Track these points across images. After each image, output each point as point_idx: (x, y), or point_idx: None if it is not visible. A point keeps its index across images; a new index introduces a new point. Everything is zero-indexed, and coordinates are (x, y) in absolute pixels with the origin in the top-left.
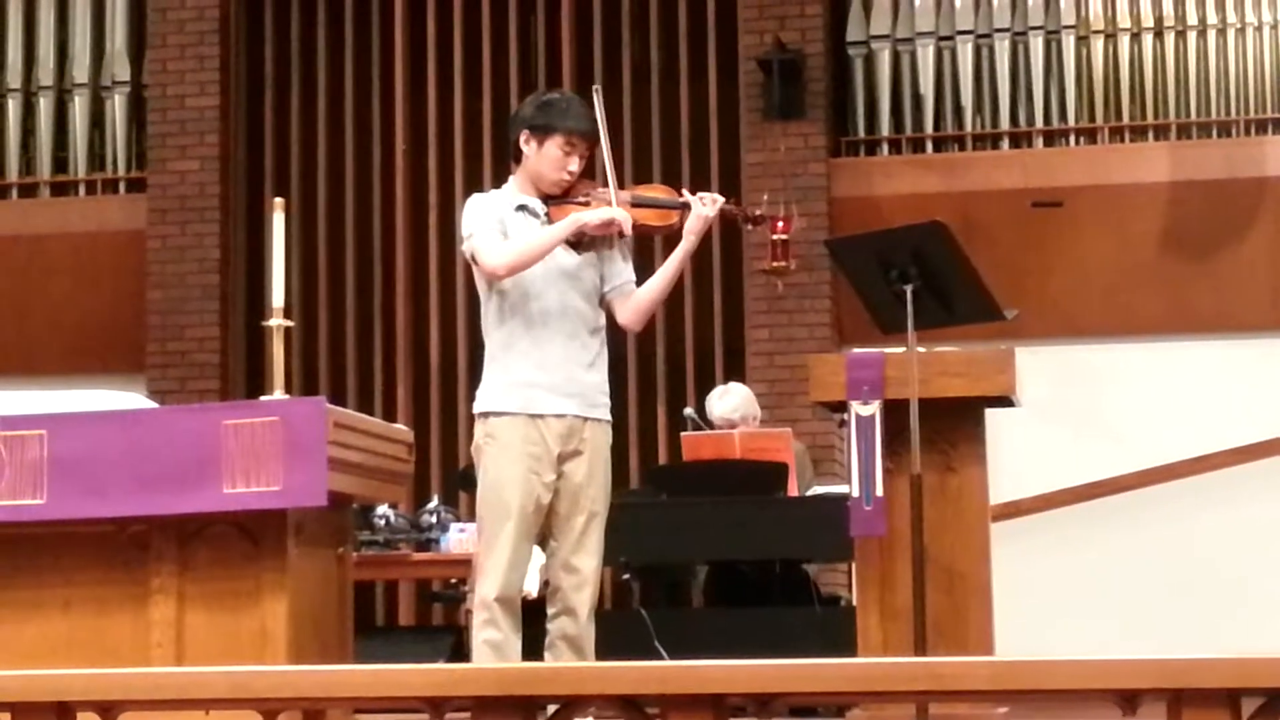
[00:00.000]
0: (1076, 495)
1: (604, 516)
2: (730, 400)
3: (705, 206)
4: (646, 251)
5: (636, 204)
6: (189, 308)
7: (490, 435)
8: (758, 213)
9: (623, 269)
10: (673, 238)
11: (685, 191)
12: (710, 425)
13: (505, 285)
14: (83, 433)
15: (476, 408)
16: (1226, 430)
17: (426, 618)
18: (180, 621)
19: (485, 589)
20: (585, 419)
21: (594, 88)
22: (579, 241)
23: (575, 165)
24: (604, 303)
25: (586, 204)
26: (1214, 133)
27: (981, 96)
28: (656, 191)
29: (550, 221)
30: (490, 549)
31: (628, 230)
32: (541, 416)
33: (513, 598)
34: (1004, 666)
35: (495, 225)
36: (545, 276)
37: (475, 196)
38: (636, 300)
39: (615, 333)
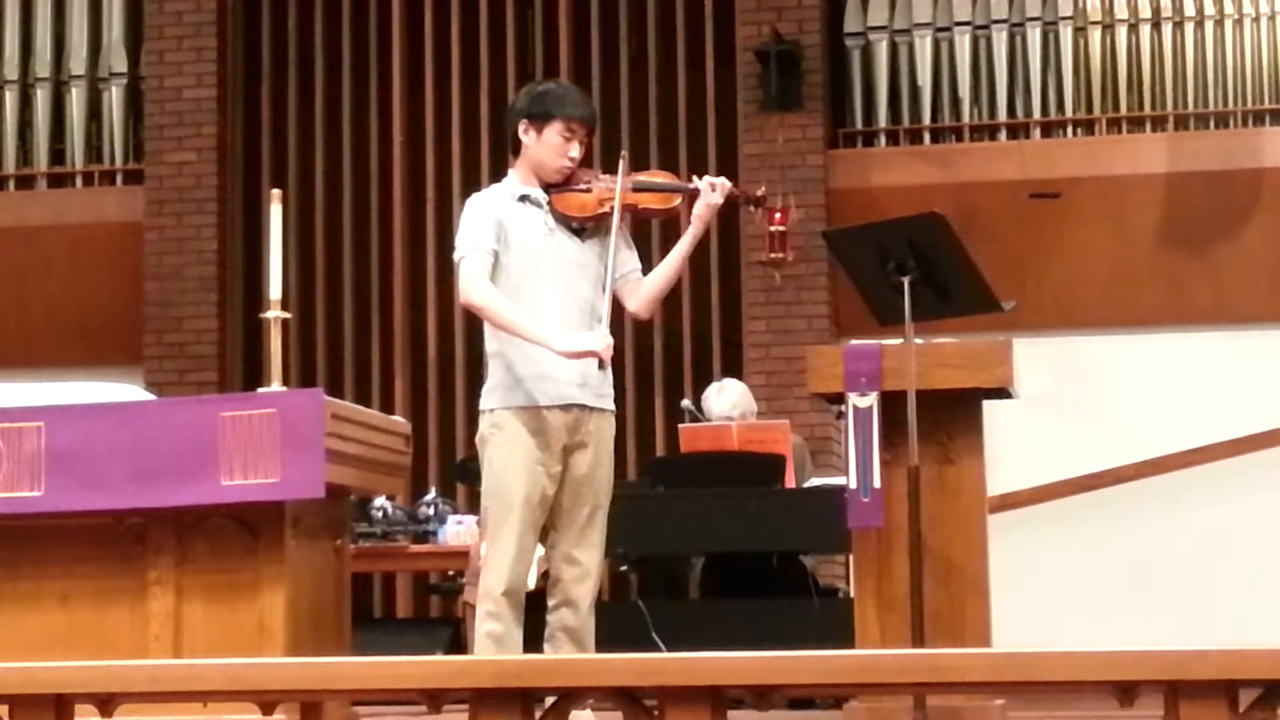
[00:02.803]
0: (1074, 487)
1: (606, 508)
2: (727, 398)
3: (713, 192)
4: (644, 243)
5: (638, 188)
6: (186, 299)
7: (496, 426)
8: (759, 193)
9: (628, 257)
10: (672, 223)
11: (694, 177)
12: (707, 422)
13: (510, 278)
14: (80, 425)
15: (483, 404)
16: (1224, 421)
17: (424, 610)
18: (178, 614)
19: (491, 582)
20: (591, 410)
21: (621, 153)
22: (581, 229)
23: (576, 151)
24: (612, 291)
25: (588, 190)
26: (1211, 124)
27: (979, 88)
28: (661, 176)
29: (553, 210)
30: (496, 541)
31: (606, 359)
32: (548, 407)
33: (519, 591)
34: (1001, 658)
35: (489, 241)
36: (553, 266)
37: (474, 198)
38: (645, 287)
39: (612, 324)
